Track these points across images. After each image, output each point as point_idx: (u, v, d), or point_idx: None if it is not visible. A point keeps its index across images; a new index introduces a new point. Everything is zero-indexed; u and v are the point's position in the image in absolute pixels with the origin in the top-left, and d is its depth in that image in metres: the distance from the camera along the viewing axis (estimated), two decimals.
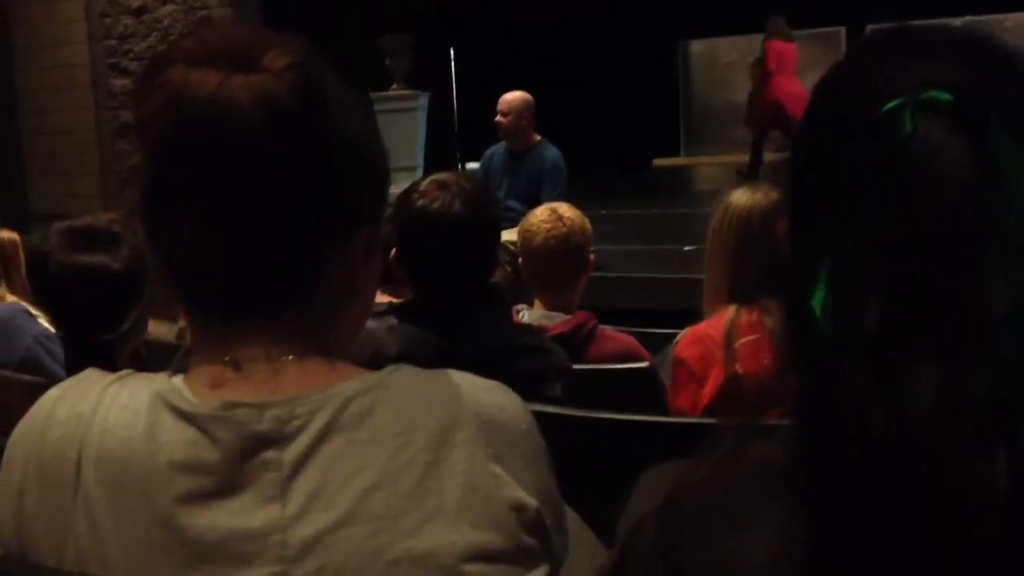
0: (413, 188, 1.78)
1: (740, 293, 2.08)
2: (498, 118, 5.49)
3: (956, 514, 0.55)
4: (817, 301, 0.62)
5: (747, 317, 2.04)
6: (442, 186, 1.74)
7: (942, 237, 0.58)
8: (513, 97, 5.51)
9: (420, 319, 1.75)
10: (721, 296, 2.14)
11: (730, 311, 2.07)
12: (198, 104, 0.75)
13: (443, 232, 1.72)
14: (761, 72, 8.86)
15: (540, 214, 2.56)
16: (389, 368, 0.81)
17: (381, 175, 0.89)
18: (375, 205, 0.88)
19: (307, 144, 0.78)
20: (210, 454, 0.75)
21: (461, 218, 1.71)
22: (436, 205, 1.72)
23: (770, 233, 2.19)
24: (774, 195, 2.11)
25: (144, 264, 1.89)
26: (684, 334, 2.18)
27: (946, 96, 0.60)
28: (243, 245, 0.78)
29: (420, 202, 1.73)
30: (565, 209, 2.57)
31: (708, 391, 2.05)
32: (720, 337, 2.05)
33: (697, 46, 13.20)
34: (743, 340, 2.03)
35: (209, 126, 0.76)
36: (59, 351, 2.07)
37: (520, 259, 2.61)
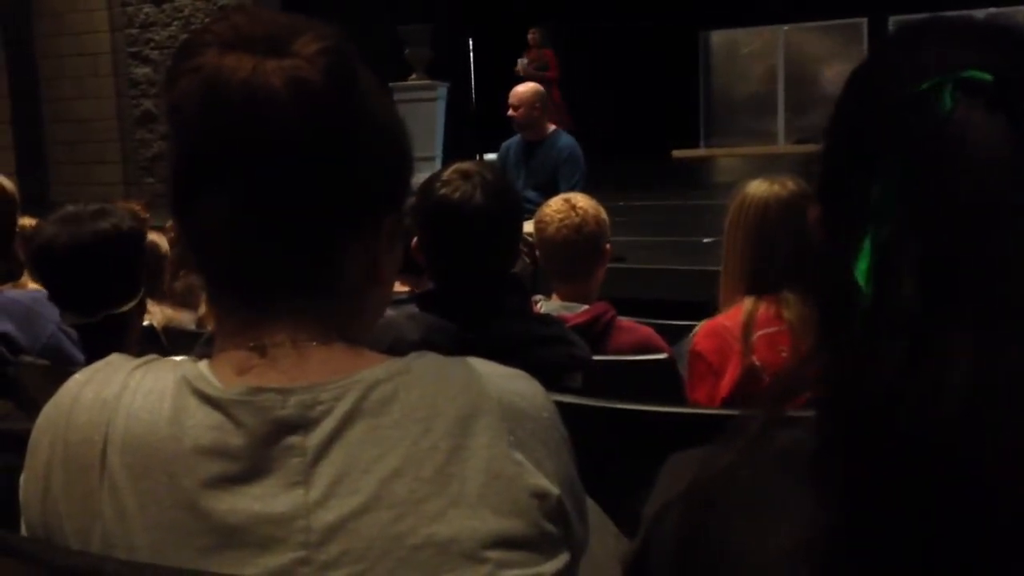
0: (436, 177, 1.79)
1: (758, 285, 2.07)
2: (510, 112, 5.51)
3: (989, 491, 0.54)
4: (861, 272, 0.61)
5: (764, 309, 2.04)
6: (465, 176, 1.74)
7: (977, 214, 0.58)
8: (523, 89, 5.53)
9: (441, 308, 1.76)
10: (738, 288, 2.13)
11: (747, 303, 2.06)
12: (232, 88, 0.76)
13: (465, 222, 1.72)
14: (548, 78, 9.58)
15: (554, 204, 2.56)
16: (412, 355, 0.81)
17: (407, 161, 0.89)
18: (400, 191, 0.89)
19: (339, 129, 0.79)
20: (235, 439, 0.75)
21: (483, 208, 1.72)
22: (458, 195, 1.72)
23: (789, 224, 2.18)
24: (791, 185, 2.10)
25: (137, 236, 1.96)
26: (700, 327, 2.18)
27: (987, 76, 0.60)
28: (272, 229, 0.79)
29: (442, 191, 1.74)
30: (580, 199, 2.56)
31: (725, 383, 2.04)
32: (737, 329, 2.04)
33: (718, 37, 13.13)
34: (760, 332, 2.02)
35: (243, 110, 0.76)
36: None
37: (536, 250, 2.61)
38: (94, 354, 0.89)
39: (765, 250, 2.08)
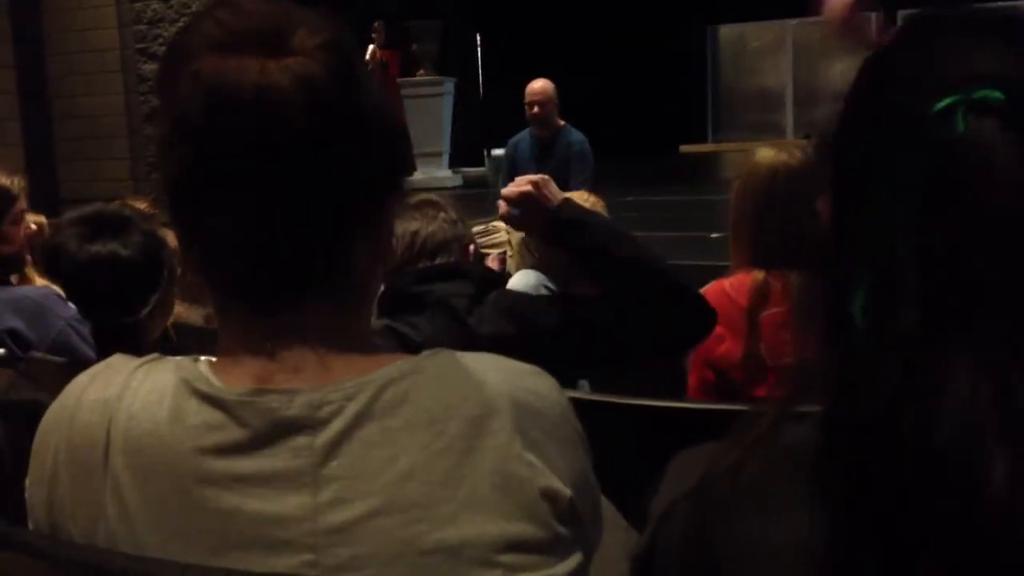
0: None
1: (763, 257, 2.06)
2: (535, 110, 5.50)
3: (979, 516, 0.54)
4: (858, 305, 0.61)
5: (774, 286, 2.02)
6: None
7: (987, 239, 0.57)
8: (543, 86, 5.54)
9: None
10: (746, 254, 2.12)
11: (756, 277, 2.05)
12: (242, 92, 0.74)
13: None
14: (388, 77, 9.47)
15: None
16: (425, 353, 0.79)
17: (405, 138, 0.87)
18: (402, 169, 0.87)
19: (345, 122, 0.77)
20: (239, 439, 0.74)
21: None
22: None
23: (796, 194, 2.14)
24: (799, 154, 2.09)
25: (158, 247, 1.91)
26: (704, 291, 2.16)
27: (998, 94, 0.58)
28: (285, 230, 0.77)
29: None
30: (587, 199, 2.56)
31: (723, 348, 2.03)
32: (740, 298, 2.03)
33: (726, 31, 13.09)
34: (766, 313, 2.01)
35: (254, 114, 0.74)
36: (89, 334, 2.10)
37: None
38: (107, 354, 0.88)
39: (774, 219, 2.05)
